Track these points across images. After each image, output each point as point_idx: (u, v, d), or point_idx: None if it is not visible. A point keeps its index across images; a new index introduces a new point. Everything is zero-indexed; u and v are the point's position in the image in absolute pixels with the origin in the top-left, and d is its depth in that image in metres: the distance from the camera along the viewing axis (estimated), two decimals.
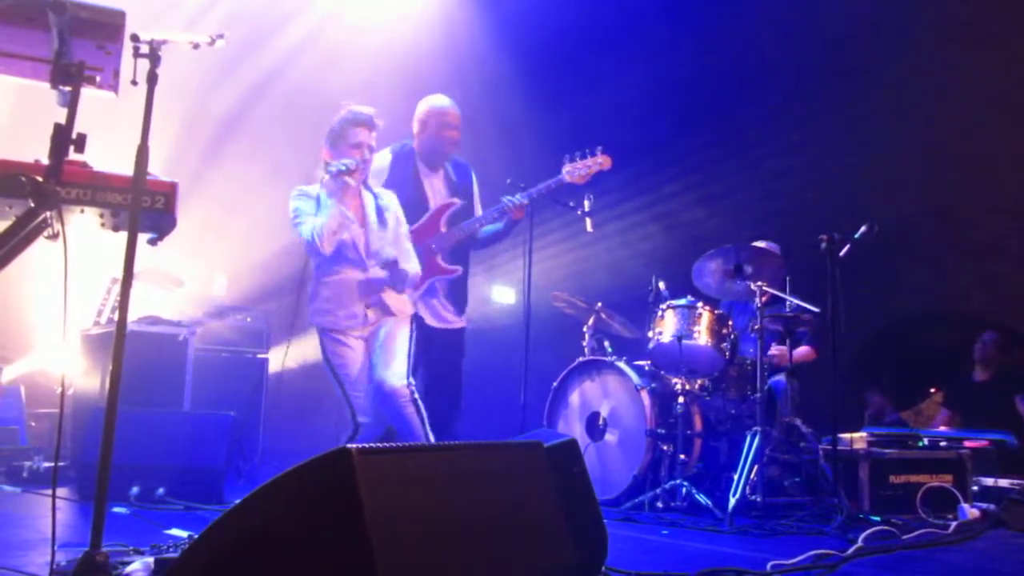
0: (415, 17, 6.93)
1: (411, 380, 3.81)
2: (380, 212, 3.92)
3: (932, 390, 6.88)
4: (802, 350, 5.28)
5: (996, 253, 6.68)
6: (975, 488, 4.56)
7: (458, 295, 4.63)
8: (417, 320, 4.40)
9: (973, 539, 3.68)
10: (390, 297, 3.85)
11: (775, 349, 5.15)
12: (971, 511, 4.19)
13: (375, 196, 3.95)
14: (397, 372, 3.78)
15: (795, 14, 6.56)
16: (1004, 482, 4.55)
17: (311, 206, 3.77)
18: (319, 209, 3.74)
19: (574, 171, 4.44)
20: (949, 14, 6.27)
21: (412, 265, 3.99)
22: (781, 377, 5.07)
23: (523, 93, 7.11)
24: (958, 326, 6.80)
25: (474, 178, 4.79)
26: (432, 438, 3.76)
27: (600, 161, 4.46)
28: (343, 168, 3.65)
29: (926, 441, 4.82)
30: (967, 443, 4.92)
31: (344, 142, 3.78)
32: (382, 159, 4.52)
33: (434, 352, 4.49)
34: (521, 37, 7.02)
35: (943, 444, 4.84)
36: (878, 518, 3.95)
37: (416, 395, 3.78)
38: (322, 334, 3.83)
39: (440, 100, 4.66)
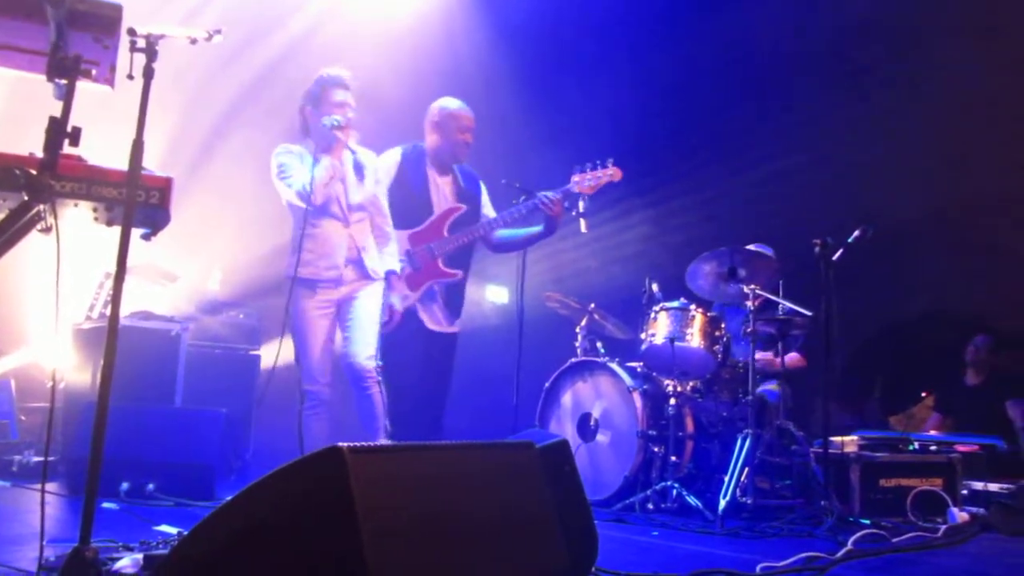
0: (414, 14, 6.92)
1: (379, 361, 3.85)
2: (358, 168, 3.99)
3: (924, 394, 6.89)
4: (791, 357, 5.28)
5: (989, 255, 6.69)
6: (965, 492, 4.57)
7: (454, 301, 4.62)
8: (417, 323, 4.45)
9: (962, 543, 3.69)
10: (368, 257, 3.91)
11: (760, 355, 5.12)
12: (961, 515, 4.20)
13: (352, 152, 4.00)
14: (367, 351, 3.83)
15: (792, 16, 6.57)
16: (994, 486, 4.57)
17: (297, 161, 3.84)
18: (303, 164, 3.81)
19: (583, 181, 4.40)
20: (948, 13, 6.27)
21: (390, 248, 4.09)
22: (772, 386, 5.08)
23: (520, 94, 7.10)
24: (950, 329, 6.81)
25: (483, 187, 4.77)
26: (388, 424, 3.78)
27: (611, 173, 4.42)
28: (336, 123, 3.75)
29: (917, 445, 4.84)
30: (957, 447, 4.94)
31: (326, 102, 3.87)
32: (391, 158, 4.54)
33: (430, 356, 4.50)
34: (518, 37, 7.01)
35: (933, 448, 4.86)
36: (868, 521, 3.97)
37: (380, 377, 3.83)
38: (296, 288, 3.82)
39: (453, 103, 4.64)
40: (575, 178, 4.43)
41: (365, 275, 3.90)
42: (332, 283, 3.85)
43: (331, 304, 3.86)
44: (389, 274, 4.04)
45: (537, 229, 4.57)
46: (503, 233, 4.64)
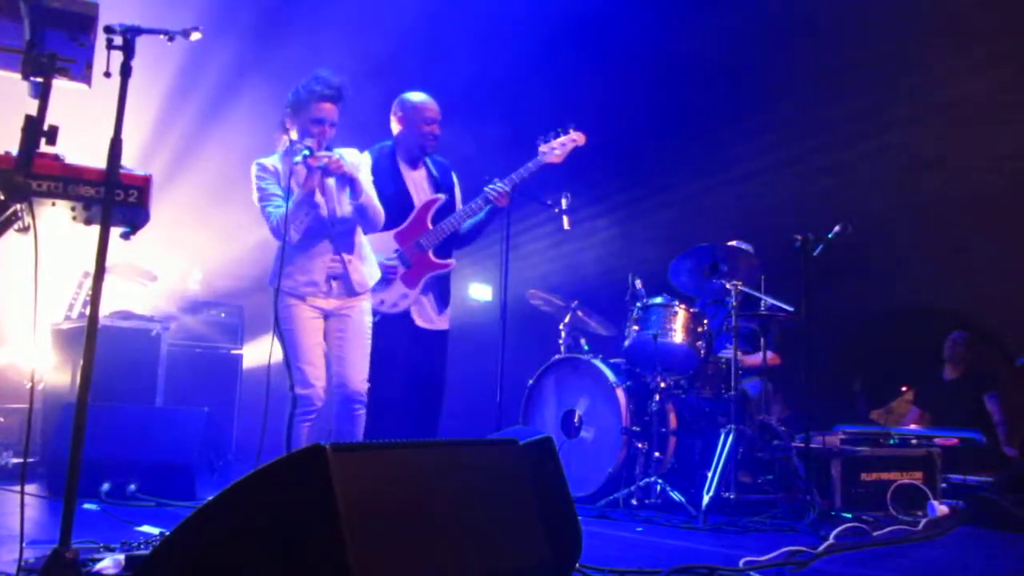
0: (393, 8, 6.88)
1: (368, 383, 3.79)
2: (349, 182, 3.79)
3: (903, 388, 6.96)
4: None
5: (966, 252, 6.76)
6: (944, 485, 4.63)
7: (443, 295, 4.55)
8: (406, 321, 4.36)
9: (942, 535, 3.74)
10: (354, 270, 3.78)
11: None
12: (940, 508, 4.25)
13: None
14: (361, 375, 3.75)
15: (772, 14, 6.61)
16: (973, 479, 4.62)
17: (274, 184, 3.66)
18: (279, 183, 3.65)
19: (550, 151, 4.35)
20: (925, 15, 6.34)
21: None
22: (754, 380, 5.11)
23: (498, 89, 7.09)
24: (928, 325, 6.88)
25: (455, 178, 4.74)
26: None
27: (574, 138, 4.37)
28: (305, 155, 3.52)
29: (897, 439, 4.88)
30: (937, 441, 4.99)
31: (306, 115, 3.64)
32: (364, 160, 4.47)
33: (421, 354, 4.41)
34: (496, 31, 7.00)
35: (913, 442, 4.90)
36: (849, 515, 4.00)
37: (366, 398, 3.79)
38: (278, 297, 3.68)
39: (417, 96, 4.60)
40: (542, 148, 4.37)
41: (351, 289, 3.76)
42: (317, 295, 3.71)
43: (320, 311, 3.74)
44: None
45: (480, 216, 4.50)
46: (465, 224, 4.59)
